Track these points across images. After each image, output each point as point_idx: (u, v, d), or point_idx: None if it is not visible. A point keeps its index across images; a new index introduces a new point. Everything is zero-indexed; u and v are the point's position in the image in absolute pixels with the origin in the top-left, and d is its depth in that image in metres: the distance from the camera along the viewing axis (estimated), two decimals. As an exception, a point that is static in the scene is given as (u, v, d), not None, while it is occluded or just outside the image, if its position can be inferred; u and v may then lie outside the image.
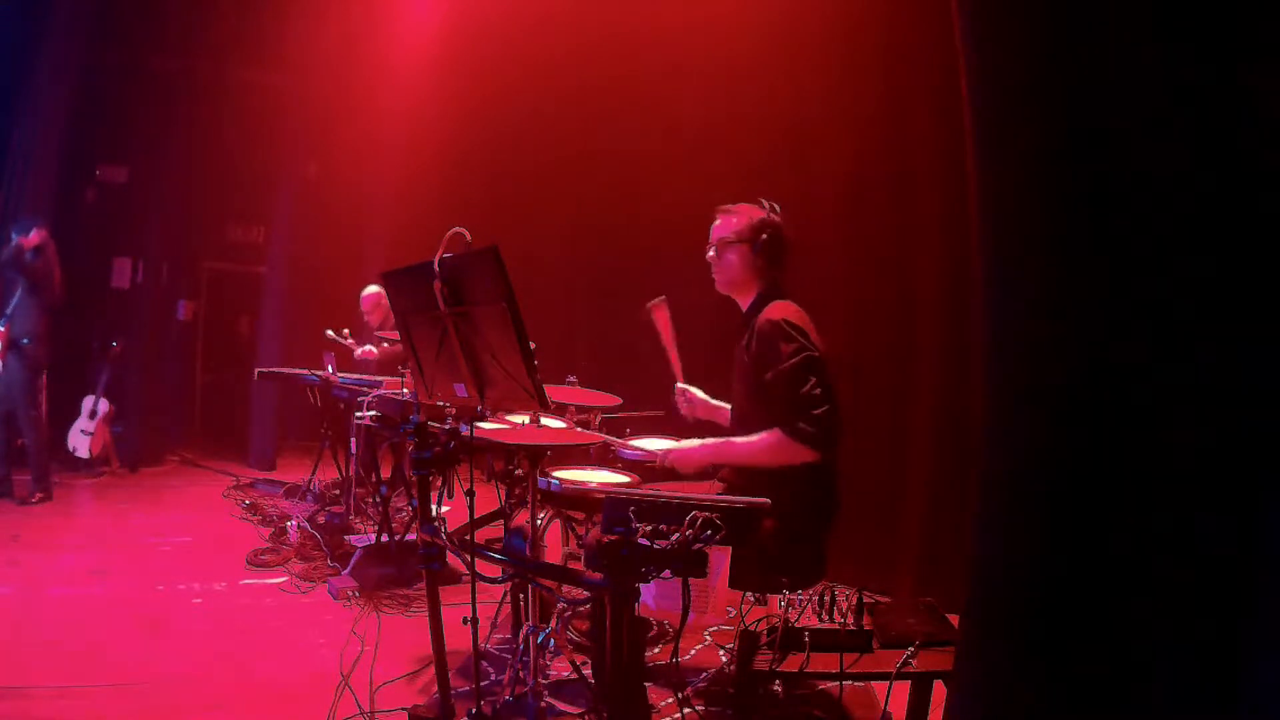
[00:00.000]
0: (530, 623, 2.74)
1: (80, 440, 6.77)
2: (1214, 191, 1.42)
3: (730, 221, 2.79)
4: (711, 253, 2.82)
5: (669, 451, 2.77)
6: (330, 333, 5.93)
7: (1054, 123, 1.58)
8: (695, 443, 2.75)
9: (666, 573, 1.89)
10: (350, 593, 4.12)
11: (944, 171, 4.29)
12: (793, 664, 2.29)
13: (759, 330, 2.65)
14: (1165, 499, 1.45)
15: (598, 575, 2.04)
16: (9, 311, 5.73)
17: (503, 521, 3.18)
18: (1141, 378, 1.48)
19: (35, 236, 5.73)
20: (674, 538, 1.84)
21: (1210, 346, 1.43)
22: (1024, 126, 1.64)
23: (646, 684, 2.67)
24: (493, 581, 2.88)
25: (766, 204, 2.80)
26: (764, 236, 2.73)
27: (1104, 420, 1.52)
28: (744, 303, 2.83)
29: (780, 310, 2.66)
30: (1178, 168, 1.44)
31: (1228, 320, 1.41)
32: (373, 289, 6.38)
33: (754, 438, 2.59)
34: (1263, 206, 1.38)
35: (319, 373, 5.34)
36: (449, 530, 2.67)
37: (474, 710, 2.47)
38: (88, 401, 6.83)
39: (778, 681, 2.86)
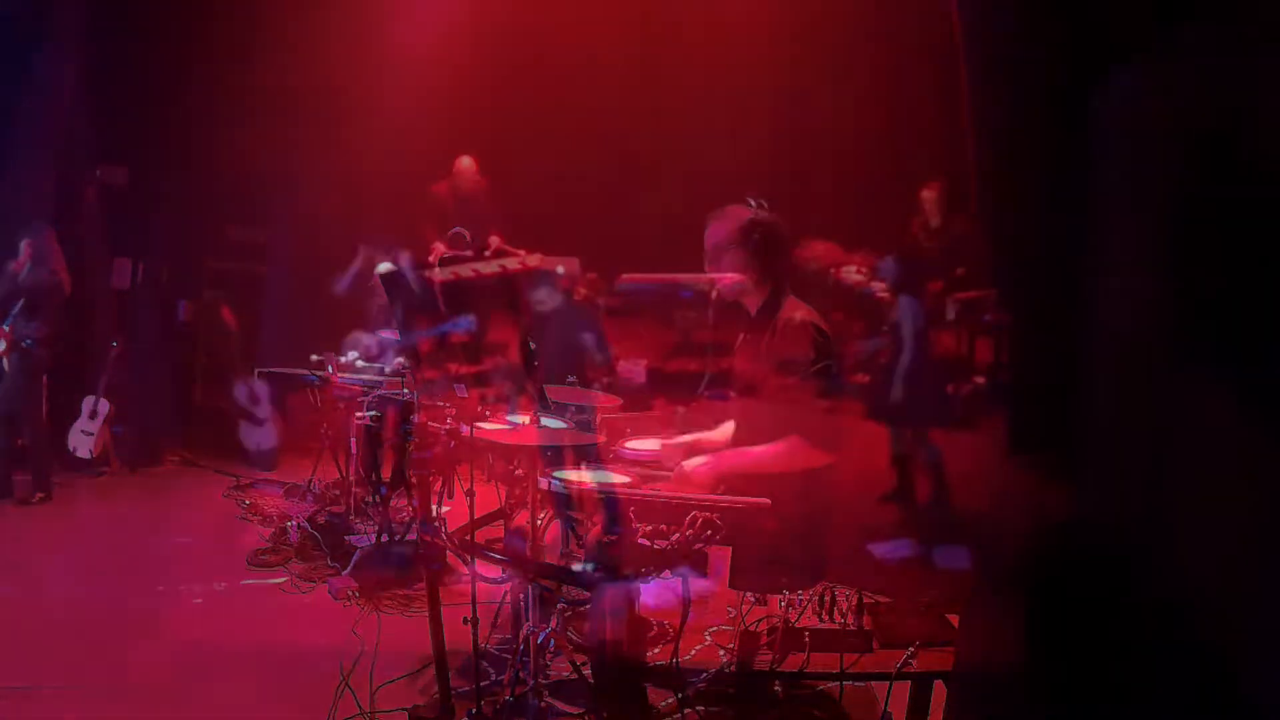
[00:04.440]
0: (530, 623, 2.74)
1: (80, 440, 6.76)
2: (1213, 194, 1.42)
3: (720, 228, 2.76)
4: (709, 262, 2.80)
5: (679, 470, 2.72)
6: (315, 357, 5.40)
7: (1055, 125, 1.59)
8: (705, 459, 2.70)
9: (666, 573, 1.89)
10: (350, 593, 4.12)
11: (943, 172, 4.30)
12: (793, 664, 2.29)
13: (784, 329, 2.62)
14: (1165, 499, 1.45)
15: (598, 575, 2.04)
16: (13, 313, 5.73)
17: (503, 521, 3.18)
18: (1141, 378, 1.48)
19: (25, 252, 5.69)
20: (674, 538, 1.84)
21: (1209, 346, 1.43)
22: (1025, 129, 1.64)
23: (646, 684, 2.67)
24: (493, 581, 2.88)
25: (754, 202, 2.77)
26: (756, 236, 2.70)
27: (1104, 420, 1.52)
28: (753, 304, 2.80)
29: (805, 312, 2.66)
30: (1175, 171, 1.44)
31: (1227, 321, 1.41)
32: None
33: (771, 446, 2.57)
34: (1260, 210, 1.38)
35: (319, 373, 5.32)
36: (449, 530, 2.67)
37: (474, 710, 2.47)
38: (88, 402, 6.82)
39: (778, 681, 2.86)
